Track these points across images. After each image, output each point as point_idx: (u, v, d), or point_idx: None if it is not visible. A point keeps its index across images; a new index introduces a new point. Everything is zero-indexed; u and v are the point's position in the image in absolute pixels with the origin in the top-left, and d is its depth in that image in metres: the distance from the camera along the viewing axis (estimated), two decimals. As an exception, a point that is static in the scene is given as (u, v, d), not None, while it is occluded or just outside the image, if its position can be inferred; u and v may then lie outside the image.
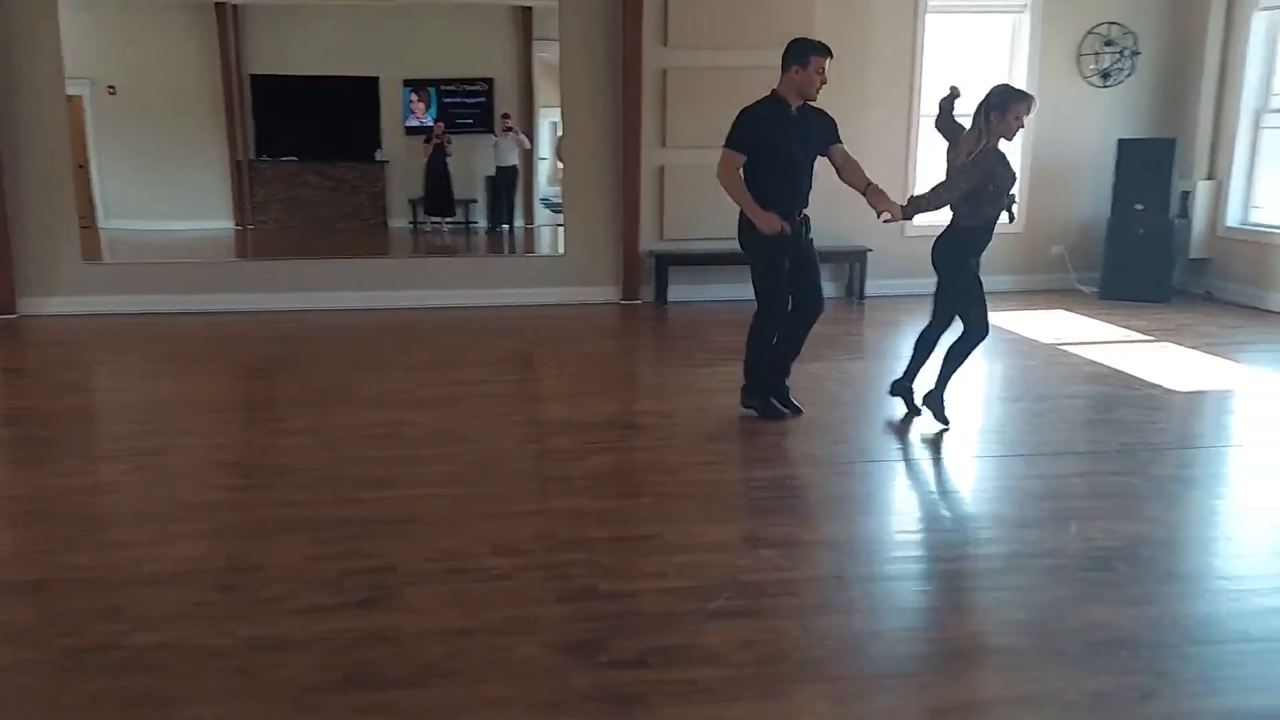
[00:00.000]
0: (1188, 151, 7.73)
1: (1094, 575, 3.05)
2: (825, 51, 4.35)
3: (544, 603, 2.87)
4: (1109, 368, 5.63)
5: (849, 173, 4.52)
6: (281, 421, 4.81)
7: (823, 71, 4.35)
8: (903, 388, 4.64)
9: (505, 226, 12.00)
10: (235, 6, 11.20)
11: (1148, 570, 3.12)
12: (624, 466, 4.18)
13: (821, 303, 4.57)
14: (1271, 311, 7.16)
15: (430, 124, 11.85)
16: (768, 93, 4.49)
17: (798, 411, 4.60)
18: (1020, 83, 7.90)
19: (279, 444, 4.44)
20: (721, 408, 4.87)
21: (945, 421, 4.42)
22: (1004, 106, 4.13)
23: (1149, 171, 7.53)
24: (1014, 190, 4.30)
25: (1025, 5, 7.81)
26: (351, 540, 3.30)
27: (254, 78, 11.57)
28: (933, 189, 4.35)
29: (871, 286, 7.93)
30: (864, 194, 4.43)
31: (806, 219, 4.57)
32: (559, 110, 8.13)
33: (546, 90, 11.12)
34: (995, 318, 6.78)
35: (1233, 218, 7.69)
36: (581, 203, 7.88)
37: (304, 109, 11.64)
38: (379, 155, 12.13)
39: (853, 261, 7.97)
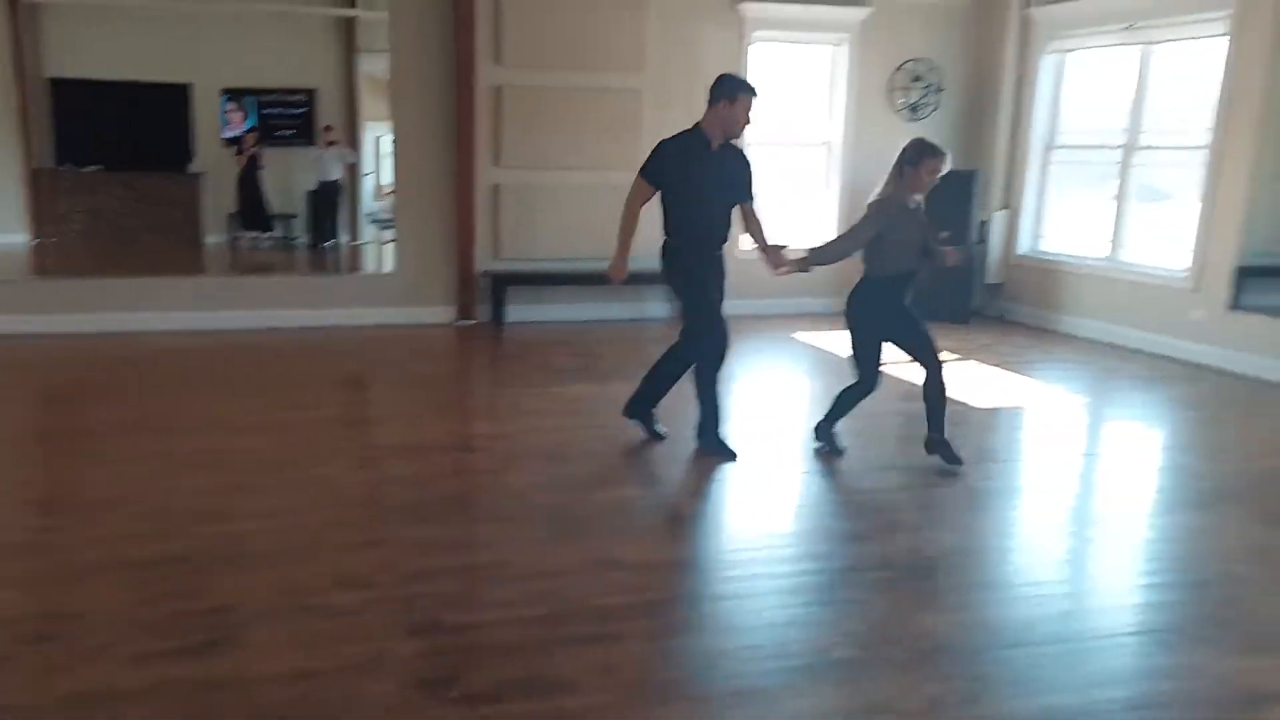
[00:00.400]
0: (986, 183, 8.39)
1: (919, 584, 3.25)
2: (753, 91, 4.25)
3: (394, 637, 2.77)
4: (919, 386, 6.00)
5: (751, 227, 4.53)
6: (95, 454, 4.42)
7: (749, 110, 4.25)
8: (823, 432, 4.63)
9: (329, 243, 11.57)
10: (32, 5, 10.30)
11: (964, 578, 3.35)
12: (466, 492, 4.10)
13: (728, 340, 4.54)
14: (1057, 332, 7.86)
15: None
16: (691, 127, 4.35)
17: (660, 437, 4.64)
18: (838, 112, 8.40)
19: (94, 477, 4.09)
20: (563, 429, 4.87)
21: (841, 451, 4.52)
22: (916, 161, 4.13)
23: (953, 201, 8.11)
24: (943, 235, 4.33)
25: (843, 39, 8.27)
26: (183, 579, 3.09)
27: (53, 81, 10.67)
28: (832, 240, 4.46)
29: (705, 307, 8.14)
30: (763, 251, 4.44)
31: (721, 256, 4.51)
32: (385, 124, 7.95)
33: (372, 103, 10.84)
34: (818, 339, 7.23)
35: (1024, 245, 8.40)
36: (413, 220, 7.71)
37: (110, 115, 10.82)
38: (192, 167, 11.44)
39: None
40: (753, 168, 4.46)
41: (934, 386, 4.35)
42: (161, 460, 4.26)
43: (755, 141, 8.15)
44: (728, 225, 4.46)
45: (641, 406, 4.63)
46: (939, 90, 8.50)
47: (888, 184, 4.25)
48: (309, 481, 4.06)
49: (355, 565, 3.23)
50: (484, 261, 7.74)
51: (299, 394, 5.57)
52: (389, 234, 8.59)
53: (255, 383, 5.82)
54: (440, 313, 7.75)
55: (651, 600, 3.06)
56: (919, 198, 4.26)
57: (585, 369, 6.32)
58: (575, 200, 7.82)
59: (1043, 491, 4.34)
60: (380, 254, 10.30)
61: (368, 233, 11.80)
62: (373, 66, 9.96)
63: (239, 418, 4.98)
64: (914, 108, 8.50)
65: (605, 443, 4.67)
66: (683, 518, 3.83)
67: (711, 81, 4.31)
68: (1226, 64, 6.52)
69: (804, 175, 8.63)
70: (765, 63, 8.17)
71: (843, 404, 4.52)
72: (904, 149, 4.21)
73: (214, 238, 11.42)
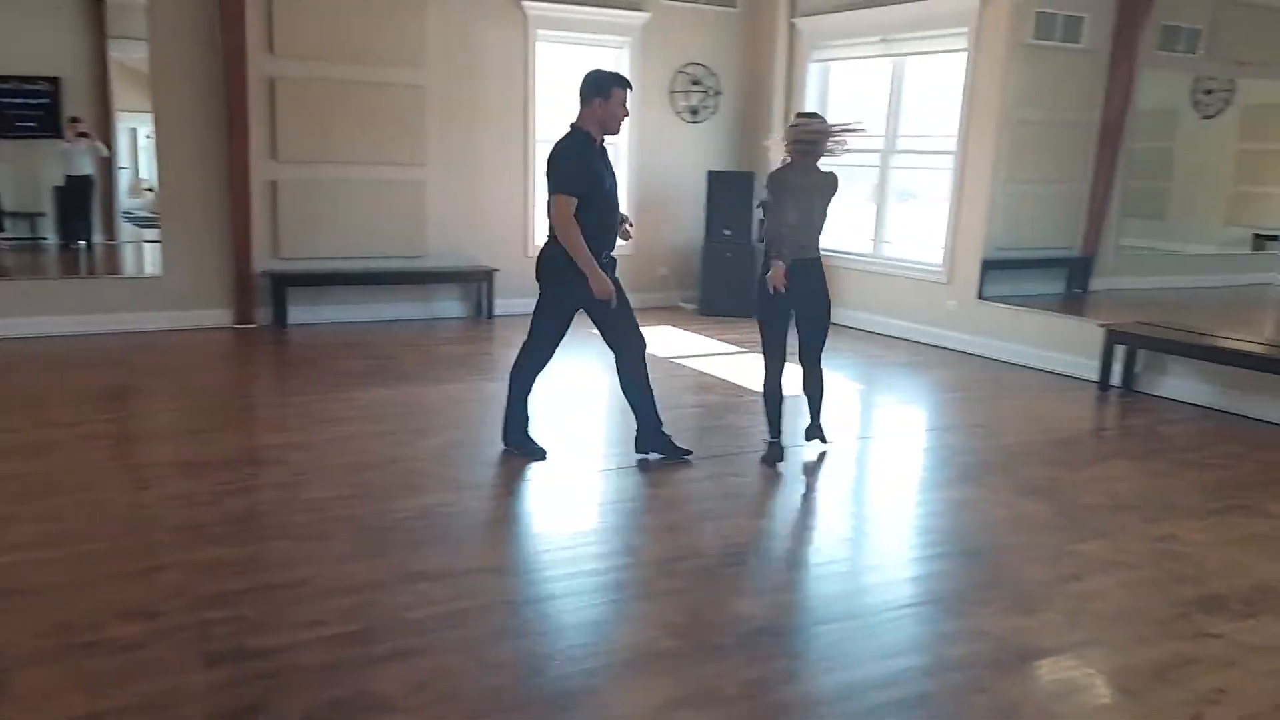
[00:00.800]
0: (761, 183, 8.78)
1: (732, 571, 3.37)
2: (626, 84, 4.16)
3: (189, 670, 2.55)
4: (716, 378, 6.25)
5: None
6: None
7: (624, 104, 4.15)
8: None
9: (82, 243, 10.47)
10: None
11: (774, 561, 3.51)
12: (260, 508, 3.84)
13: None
14: (833, 324, 8.34)
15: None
16: (570, 130, 4.18)
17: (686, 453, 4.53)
18: (625, 114, 8.52)
19: None
20: (359, 437, 4.66)
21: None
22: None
23: (734, 200, 8.47)
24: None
25: (624, 41, 8.41)
26: (-72, 628, 2.69)
27: None
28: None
29: (500, 305, 8.04)
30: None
31: (614, 259, 4.38)
32: (142, 115, 7.31)
33: (126, 94, 9.91)
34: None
35: (799, 242, 8.89)
36: (181, 219, 7.14)
37: None
38: (-85, 161, 10.00)
39: (480, 281, 8.04)
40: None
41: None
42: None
43: (544, 140, 8.17)
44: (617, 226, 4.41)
45: (656, 437, 4.48)
46: (717, 94, 8.83)
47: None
48: (76, 507, 3.67)
49: (137, 595, 2.95)
50: (263, 261, 7.29)
51: (58, 410, 5.01)
52: (150, 233, 7.89)
53: (6, 399, 5.20)
54: (216, 316, 7.23)
55: (466, 609, 2.98)
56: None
57: (379, 372, 6.08)
58: (359, 196, 7.52)
59: (832, 473, 4.61)
60: (140, 254, 9.44)
61: (125, 231, 10.79)
62: (126, 54, 9.11)
63: (-16, 440, 4.42)
64: (694, 110, 8.79)
65: (407, 449, 4.52)
66: (492, 522, 3.76)
67: (586, 81, 4.15)
68: (966, 77, 7.19)
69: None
70: (550, 63, 8.17)
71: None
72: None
73: (-59, 239, 10.03)
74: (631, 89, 4.25)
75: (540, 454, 4.39)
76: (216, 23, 6.87)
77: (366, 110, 7.44)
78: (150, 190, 7.86)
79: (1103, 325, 6.23)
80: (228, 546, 3.38)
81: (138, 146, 10.06)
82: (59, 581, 3.05)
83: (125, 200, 11.05)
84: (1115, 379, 6.21)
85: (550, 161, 4.16)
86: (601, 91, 4.10)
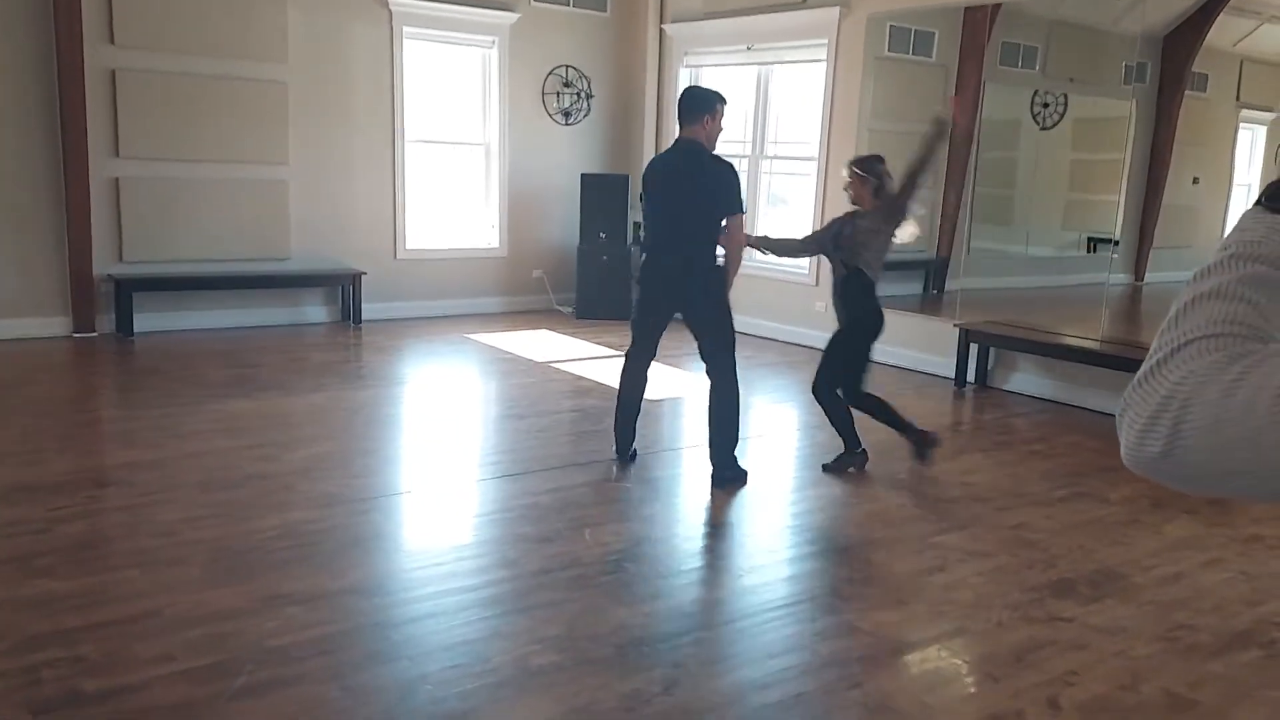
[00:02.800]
0: (637, 186, 8.81)
1: (610, 579, 3.32)
2: (725, 100, 4.27)
3: (14, 722, 2.31)
4: (593, 381, 6.20)
5: None
6: None
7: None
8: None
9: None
10: None
11: (653, 567, 3.48)
12: (101, 534, 3.54)
13: None
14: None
15: None
16: (699, 145, 4.18)
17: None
18: (493, 115, 8.40)
19: None
20: (217, 452, 4.39)
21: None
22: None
23: (608, 203, 8.46)
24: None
25: (493, 41, 8.27)
26: None
27: None
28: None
29: (367, 310, 7.77)
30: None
31: None
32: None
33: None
34: (491, 339, 7.19)
35: (675, 245, 8.96)
36: (8, 218, 6.57)
37: None
38: None
39: (345, 284, 7.74)
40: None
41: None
42: None
43: (414, 140, 7.95)
44: None
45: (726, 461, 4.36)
46: (590, 96, 8.79)
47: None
48: (-122, 542, 3.28)
49: (-50, 640, 2.66)
50: (105, 264, 6.80)
51: None
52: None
53: None
54: (50, 324, 6.70)
55: (332, 633, 2.83)
56: None
57: (239, 381, 5.76)
58: (215, 195, 7.11)
59: (707, 476, 4.63)
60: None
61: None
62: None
63: None
64: (567, 113, 8.72)
65: (269, 463, 4.28)
66: (362, 539, 3.58)
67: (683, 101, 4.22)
68: (826, 86, 7.42)
69: (464, 176, 8.52)
70: (419, 61, 7.96)
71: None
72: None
73: None
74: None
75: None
76: (47, 7, 6.36)
77: (222, 106, 7.05)
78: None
79: (957, 325, 6.52)
80: (62, 579, 3.08)
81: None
82: None
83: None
84: (970, 376, 6.52)
85: (726, 181, 4.17)
86: (711, 108, 4.17)
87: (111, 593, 3.02)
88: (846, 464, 4.59)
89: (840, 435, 4.59)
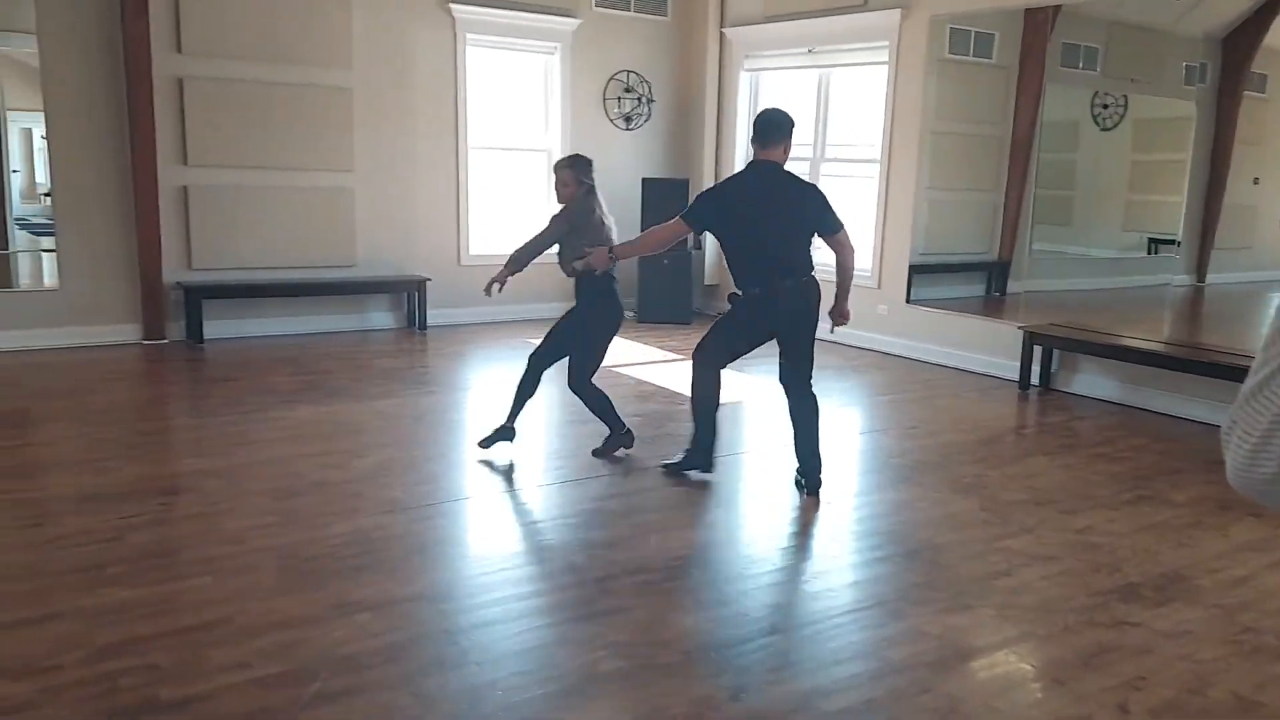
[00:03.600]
0: (697, 190, 8.77)
1: (676, 585, 3.29)
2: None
3: (92, 730, 2.33)
4: (655, 385, 6.18)
5: None
6: None
7: None
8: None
9: (-34, 253, 9.86)
10: None
11: (718, 572, 3.44)
12: (173, 543, 3.58)
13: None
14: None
15: None
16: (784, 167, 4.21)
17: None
18: (554, 121, 8.43)
19: None
20: (285, 459, 4.44)
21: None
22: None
23: (669, 207, 8.39)
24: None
25: (555, 48, 8.30)
26: None
27: None
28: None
29: (432, 316, 7.84)
30: None
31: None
32: (38, 115, 6.91)
33: (19, 91, 9.39)
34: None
35: (732, 248, 8.91)
36: (80, 227, 6.76)
37: None
38: None
39: (410, 291, 7.82)
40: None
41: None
42: None
43: (477, 146, 8.02)
44: None
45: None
46: (650, 101, 8.78)
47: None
48: (-45, 549, 3.35)
49: (24, 648, 2.69)
50: (174, 272, 6.96)
51: (-62, 439, 4.62)
52: (48, 241, 7.48)
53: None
54: (122, 331, 6.87)
55: (401, 640, 2.83)
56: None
57: (306, 388, 5.81)
58: (282, 203, 7.24)
59: (772, 480, 4.57)
60: (38, 265, 8.92)
61: (19, 240, 10.22)
62: (15, 48, 8.63)
63: None
64: (628, 118, 8.72)
65: (337, 470, 4.32)
66: (429, 545, 3.59)
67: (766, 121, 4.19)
68: (888, 89, 7.32)
69: (526, 182, 8.56)
70: (481, 68, 8.03)
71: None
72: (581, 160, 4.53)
73: None
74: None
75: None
76: (116, 17, 6.52)
77: (288, 113, 7.18)
78: (48, 195, 7.44)
79: (1021, 327, 6.45)
80: (134, 587, 3.11)
81: (33, 148, 9.55)
82: (-64, 635, 2.77)
83: (19, 206, 10.46)
84: (1034, 378, 6.45)
85: (823, 200, 4.18)
86: (789, 132, 4.19)
87: (183, 600, 3.05)
88: (614, 446, 4.59)
89: (603, 420, 4.56)
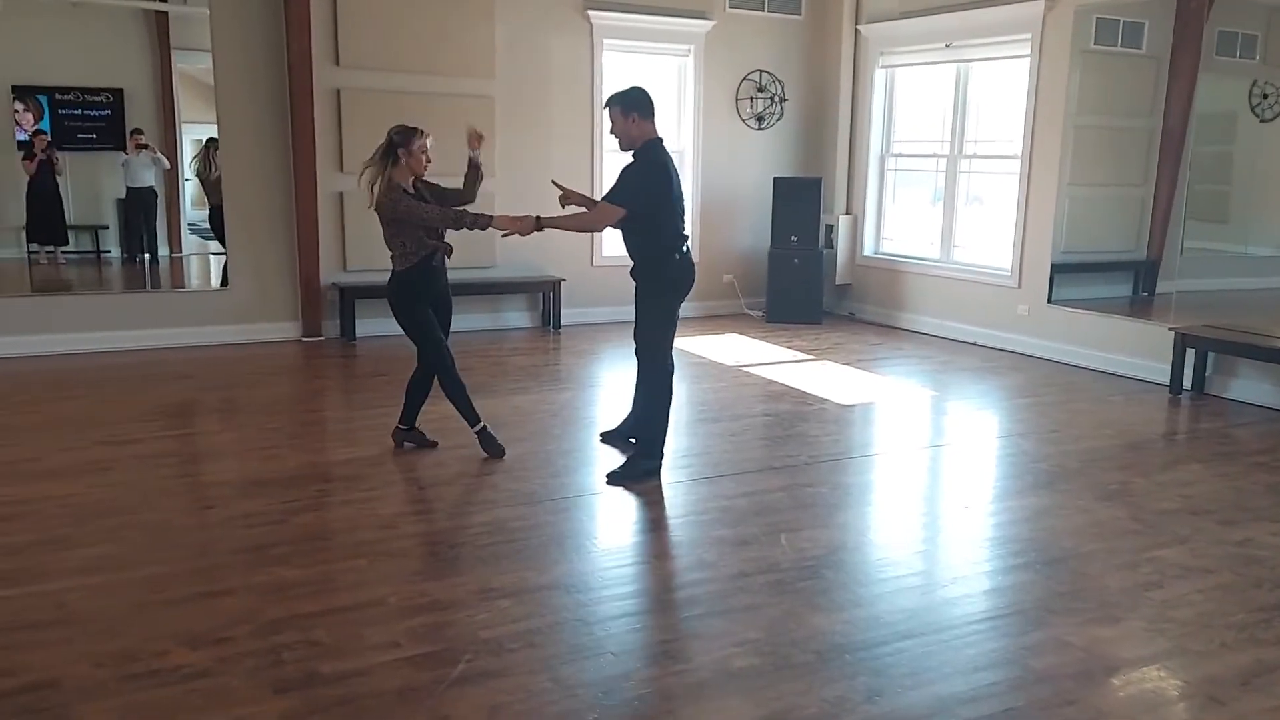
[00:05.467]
0: (829, 189, 8.71)
1: (809, 585, 3.29)
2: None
3: (258, 699, 2.52)
4: (785, 386, 6.16)
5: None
6: None
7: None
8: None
9: (146, 256, 10.67)
10: None
11: (851, 574, 3.42)
12: (329, 526, 3.83)
13: None
14: (902, 329, 8.25)
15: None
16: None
17: None
18: (686, 122, 8.49)
19: None
20: (430, 451, 4.67)
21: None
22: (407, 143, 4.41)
23: (800, 206, 8.38)
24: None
25: (689, 50, 8.37)
26: (-10, 654, 2.71)
27: None
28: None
29: (566, 315, 8.03)
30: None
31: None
32: (207, 127, 7.46)
33: (191, 105, 10.12)
34: (682, 343, 7.25)
35: (868, 248, 8.78)
36: (246, 231, 7.26)
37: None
38: (-24, 174, 10.30)
39: (546, 291, 8.05)
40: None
41: (418, 378, 4.62)
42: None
43: (611, 149, 8.15)
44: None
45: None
46: (783, 101, 8.75)
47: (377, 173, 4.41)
48: (137, 529, 3.67)
49: (201, 620, 2.93)
50: (330, 273, 7.37)
51: (119, 427, 5.02)
52: (215, 245, 8.06)
53: (65, 417, 5.24)
54: (282, 329, 7.33)
55: (539, 627, 2.95)
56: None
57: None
58: (427, 209, 7.55)
59: (905, 483, 4.52)
60: (207, 267, 9.61)
61: (190, 244, 11.02)
62: (191, 65, 9.32)
63: (45, 459, 4.48)
64: (760, 118, 8.72)
65: (476, 463, 4.51)
66: (564, 536, 3.72)
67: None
68: (1030, 82, 7.07)
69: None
70: (615, 71, 8.17)
71: (415, 396, 4.68)
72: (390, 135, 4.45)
73: (6, 253, 10.33)
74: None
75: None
76: (281, 33, 6.98)
77: (434, 121, 7.38)
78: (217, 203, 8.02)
79: (1173, 329, 6.15)
80: (297, 567, 3.35)
81: (196, 155, 10.25)
82: (118, 607, 3.03)
83: (191, 212, 11.27)
84: (1186, 382, 6.13)
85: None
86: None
87: (340, 581, 3.26)
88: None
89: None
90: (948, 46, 7.83)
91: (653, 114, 4.30)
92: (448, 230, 4.44)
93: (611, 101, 4.32)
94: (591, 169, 8.11)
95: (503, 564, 3.42)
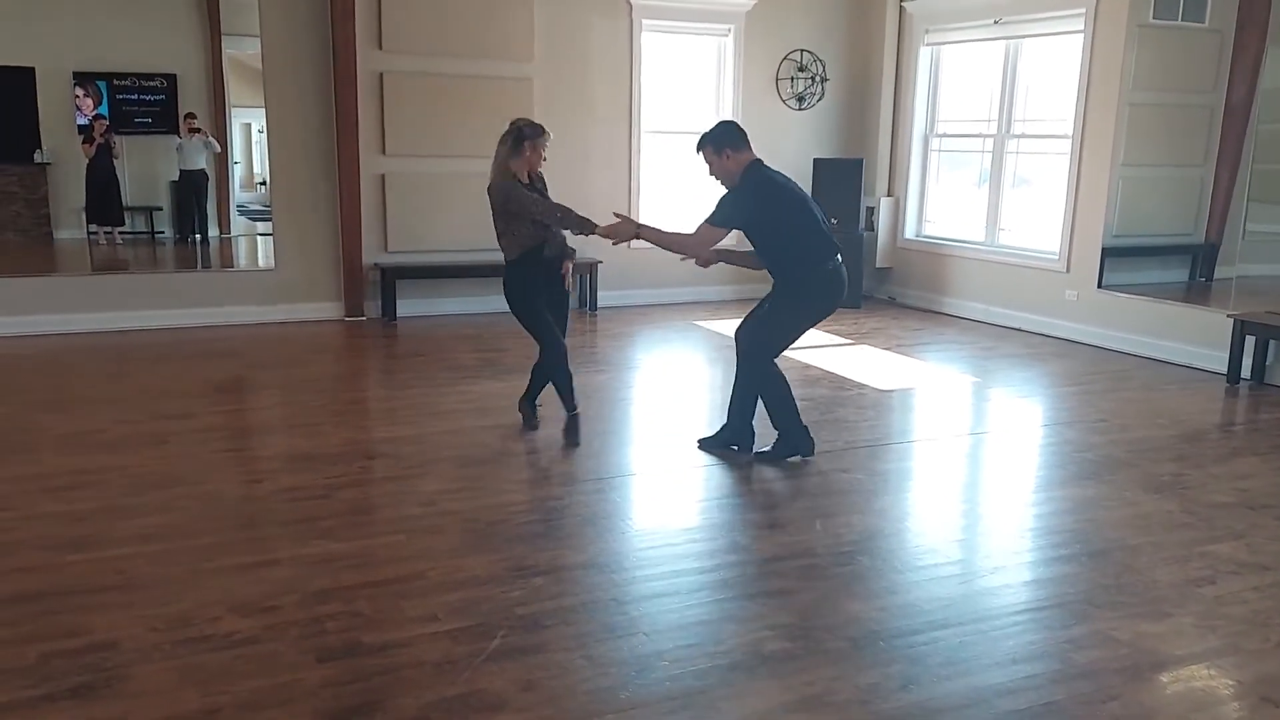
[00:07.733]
0: (871, 170, 8.59)
1: (844, 571, 3.27)
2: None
3: (302, 666, 2.59)
4: (822, 370, 6.11)
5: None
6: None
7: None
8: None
9: (197, 237, 10.90)
10: None
11: (887, 561, 3.40)
12: (371, 501, 3.90)
13: None
14: (944, 314, 8.13)
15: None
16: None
17: None
18: (725, 103, 8.42)
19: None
20: (469, 430, 4.72)
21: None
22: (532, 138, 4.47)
23: (840, 188, 8.28)
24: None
25: (729, 30, 8.30)
26: (48, 616, 2.82)
27: (-125, 64, 9.69)
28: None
29: (602, 297, 8.05)
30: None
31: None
32: (255, 111, 7.57)
33: (240, 89, 10.29)
34: (719, 326, 7.25)
35: (910, 231, 8.66)
36: (292, 212, 7.36)
37: (-60, 101, 9.90)
38: (39, 156, 10.58)
39: (583, 273, 8.07)
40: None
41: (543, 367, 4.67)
42: (18, 483, 3.91)
43: (649, 130, 8.14)
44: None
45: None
46: (824, 80, 8.64)
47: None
48: (191, 499, 3.78)
49: (251, 589, 3.01)
50: (372, 254, 7.46)
51: (174, 402, 5.18)
52: (263, 226, 8.18)
53: (123, 392, 5.42)
54: (325, 309, 7.44)
55: (574, 605, 2.97)
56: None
57: (489, 364, 6.13)
58: (467, 189, 7.54)
59: (945, 470, 4.46)
60: (255, 247, 9.78)
61: (239, 225, 11.22)
62: (240, 50, 9.47)
63: (106, 431, 4.62)
64: (800, 98, 8.62)
65: (514, 441, 4.56)
66: (599, 516, 3.73)
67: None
68: (1084, 59, 6.88)
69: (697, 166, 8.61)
70: (654, 53, 8.13)
71: (537, 379, 4.71)
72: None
73: (67, 233, 10.61)
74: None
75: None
76: (327, 19, 7.04)
77: (475, 103, 7.52)
78: (263, 184, 8.14)
79: (1232, 315, 5.95)
80: (341, 540, 3.42)
81: (251, 141, 10.42)
82: (173, 574, 3.13)
83: (239, 194, 11.48)
84: (1245, 371, 5.94)
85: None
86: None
87: (382, 555, 3.32)
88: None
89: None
90: (996, 23, 7.66)
91: (745, 141, 4.28)
92: (557, 229, 4.53)
93: (702, 144, 4.31)
94: (630, 152, 8.09)
95: (539, 542, 3.45)
